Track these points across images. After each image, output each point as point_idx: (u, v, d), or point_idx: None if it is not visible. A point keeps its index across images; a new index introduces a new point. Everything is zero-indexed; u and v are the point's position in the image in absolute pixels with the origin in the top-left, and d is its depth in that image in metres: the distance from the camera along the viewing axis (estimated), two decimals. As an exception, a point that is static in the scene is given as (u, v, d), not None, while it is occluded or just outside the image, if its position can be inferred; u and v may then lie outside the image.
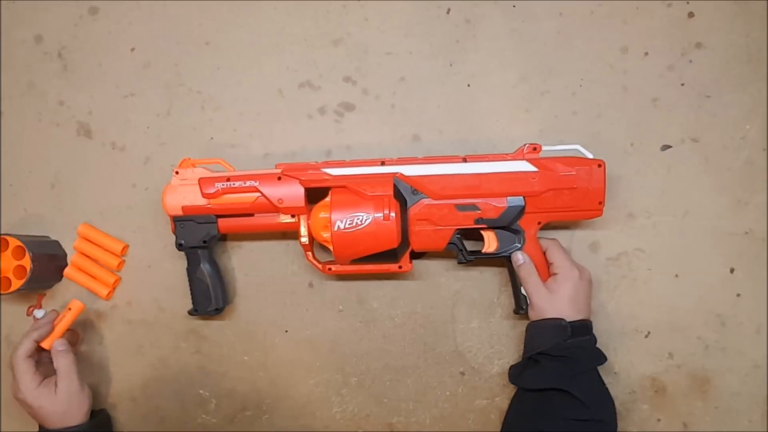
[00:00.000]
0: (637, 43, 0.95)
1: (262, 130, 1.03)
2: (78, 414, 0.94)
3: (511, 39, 0.98)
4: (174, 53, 1.06)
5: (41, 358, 0.96)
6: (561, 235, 0.95)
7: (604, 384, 0.85)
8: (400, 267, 0.89)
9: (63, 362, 0.94)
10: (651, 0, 0.95)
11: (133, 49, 1.07)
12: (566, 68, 0.97)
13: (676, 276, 0.95)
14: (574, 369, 0.82)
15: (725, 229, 0.94)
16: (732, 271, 0.94)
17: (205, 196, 0.89)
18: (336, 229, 0.84)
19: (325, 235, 0.86)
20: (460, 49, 0.99)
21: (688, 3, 0.94)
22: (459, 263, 0.89)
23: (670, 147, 0.95)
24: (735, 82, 0.94)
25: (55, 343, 0.95)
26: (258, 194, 0.88)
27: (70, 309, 0.96)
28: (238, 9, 1.04)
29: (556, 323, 0.84)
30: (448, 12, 0.99)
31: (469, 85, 0.99)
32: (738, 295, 0.94)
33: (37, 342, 0.94)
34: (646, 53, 0.95)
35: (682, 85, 0.95)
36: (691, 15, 0.94)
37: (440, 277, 0.99)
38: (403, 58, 1.00)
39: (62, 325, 0.96)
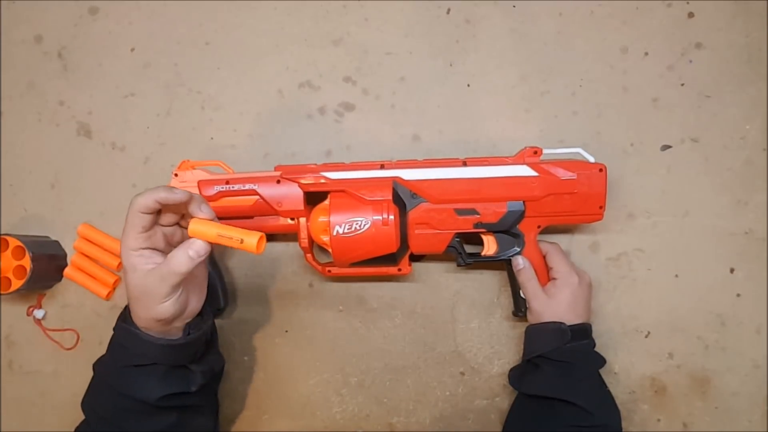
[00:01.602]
0: (637, 43, 0.95)
1: (262, 130, 1.03)
2: (145, 313, 0.74)
3: (511, 39, 0.98)
4: (174, 53, 1.06)
5: (172, 235, 0.78)
6: (561, 237, 0.95)
7: (605, 386, 0.85)
8: (399, 270, 0.89)
9: (178, 263, 0.71)
10: (651, 0, 0.95)
11: (133, 49, 1.07)
12: (566, 68, 0.97)
13: (676, 276, 0.95)
14: (574, 375, 0.83)
15: (725, 229, 0.94)
16: (732, 271, 0.94)
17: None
18: (335, 233, 0.83)
19: (324, 239, 0.86)
20: (460, 49, 0.99)
21: (688, 3, 0.94)
22: (458, 266, 0.89)
23: (670, 147, 0.95)
24: (735, 82, 0.93)
25: (194, 242, 0.72)
26: (257, 197, 0.88)
27: (242, 241, 0.72)
28: (238, 9, 1.04)
29: (556, 326, 0.84)
30: (448, 12, 0.99)
31: (469, 85, 0.99)
32: (738, 295, 0.93)
33: (160, 203, 0.71)
34: (646, 53, 0.95)
35: (682, 85, 0.94)
36: (691, 15, 0.94)
37: (440, 278, 0.99)
38: (403, 58, 1.00)
39: (221, 237, 0.72)
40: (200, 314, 0.82)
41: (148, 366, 0.77)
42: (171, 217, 0.76)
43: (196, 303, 0.80)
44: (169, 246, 0.77)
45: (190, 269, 0.72)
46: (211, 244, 0.73)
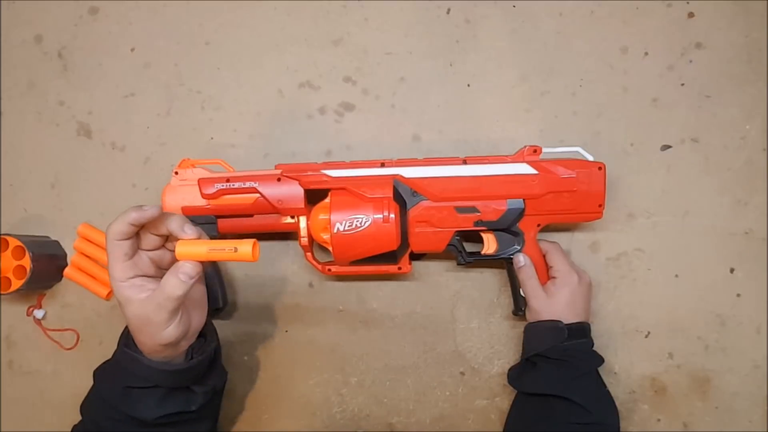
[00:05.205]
0: (637, 43, 0.95)
1: (262, 130, 1.03)
2: (151, 340, 0.73)
3: (511, 39, 0.98)
4: (174, 53, 1.06)
5: (160, 259, 0.76)
6: (560, 236, 0.95)
7: (604, 385, 0.85)
8: (399, 268, 0.89)
9: (171, 288, 0.70)
10: (651, 0, 0.95)
11: (133, 49, 1.07)
12: (566, 68, 0.97)
13: (676, 276, 0.95)
14: (571, 373, 0.83)
15: (725, 229, 0.94)
16: (732, 271, 0.94)
17: (204, 196, 0.89)
18: (335, 231, 0.83)
19: (324, 237, 0.86)
20: (460, 49, 0.99)
21: (688, 3, 0.94)
22: (458, 265, 0.89)
23: (670, 147, 0.95)
24: (735, 82, 0.93)
25: (183, 265, 0.71)
26: (257, 195, 0.88)
27: (236, 250, 0.70)
28: (238, 9, 1.04)
29: (553, 325, 0.84)
30: (448, 12, 0.99)
31: (469, 85, 0.99)
32: (738, 295, 0.93)
33: (135, 225, 0.70)
34: (646, 53, 0.95)
35: (682, 85, 0.94)
36: (691, 15, 0.94)
37: (440, 278, 0.99)
38: (403, 58, 1.00)
39: (213, 251, 0.70)
40: (203, 335, 0.82)
41: (148, 388, 0.76)
42: (153, 240, 0.74)
43: (198, 320, 0.79)
44: (160, 270, 0.76)
45: (185, 292, 0.70)
46: (203, 262, 0.72)
